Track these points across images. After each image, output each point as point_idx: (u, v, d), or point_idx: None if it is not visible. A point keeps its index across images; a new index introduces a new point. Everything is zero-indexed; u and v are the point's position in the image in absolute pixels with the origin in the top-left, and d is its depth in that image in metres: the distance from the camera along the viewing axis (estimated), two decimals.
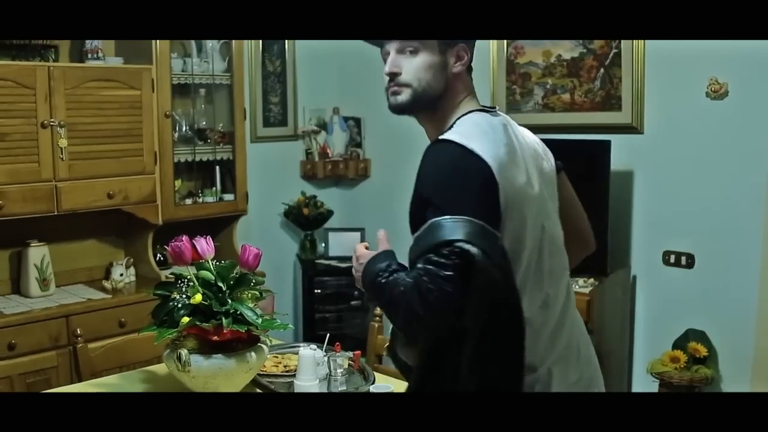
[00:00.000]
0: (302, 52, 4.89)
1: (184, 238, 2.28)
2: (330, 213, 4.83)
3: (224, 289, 2.30)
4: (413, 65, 1.79)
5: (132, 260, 3.94)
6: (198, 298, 2.24)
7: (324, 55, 4.98)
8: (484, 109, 1.82)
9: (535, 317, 1.72)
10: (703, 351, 3.45)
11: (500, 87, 4.19)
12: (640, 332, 3.89)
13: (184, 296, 2.29)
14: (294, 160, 4.96)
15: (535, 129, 1.97)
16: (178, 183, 4.03)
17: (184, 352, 2.25)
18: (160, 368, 2.65)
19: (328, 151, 4.95)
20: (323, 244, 4.85)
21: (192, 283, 2.30)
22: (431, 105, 1.82)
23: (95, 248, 4.02)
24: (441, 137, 1.70)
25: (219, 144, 4.16)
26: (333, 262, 4.71)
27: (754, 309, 3.45)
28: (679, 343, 3.59)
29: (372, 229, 4.66)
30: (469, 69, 1.86)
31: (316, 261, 4.78)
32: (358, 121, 5.01)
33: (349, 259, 1.93)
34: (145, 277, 3.94)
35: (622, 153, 3.71)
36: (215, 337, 2.26)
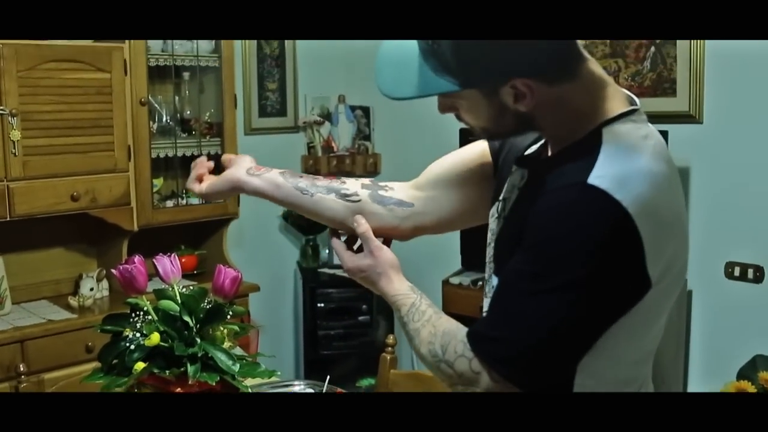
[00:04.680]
0: None
1: (137, 259, 1.76)
2: None
3: (191, 324, 1.77)
4: (464, 113, 1.30)
5: (104, 272, 3.40)
6: (155, 338, 1.70)
7: None
8: (631, 112, 1.25)
9: None
10: None
11: None
12: (697, 358, 3.36)
13: (138, 334, 1.75)
14: (294, 154, 4.45)
15: None
16: (158, 182, 3.51)
17: None
18: None
19: (333, 144, 4.47)
20: (327, 251, 4.37)
21: (149, 317, 1.77)
22: (520, 132, 1.32)
23: (63, 258, 3.49)
24: (589, 181, 1.16)
25: (206, 136, 3.64)
26: (338, 272, 4.16)
27: None
28: (746, 373, 3.05)
29: None
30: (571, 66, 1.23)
31: (319, 270, 4.29)
32: (366, 111, 4.55)
33: None
34: (119, 291, 3.38)
35: (677, 146, 3.13)
36: (179, 389, 1.73)
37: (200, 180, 1.65)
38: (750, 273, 3.17)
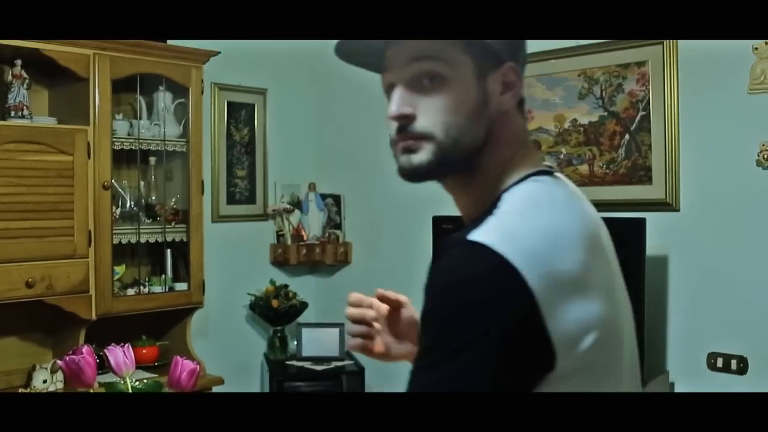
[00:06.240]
0: (274, 119, 4.32)
1: (85, 349, 1.64)
2: (304, 305, 4.19)
3: None
4: (436, 104, 1.12)
5: (59, 363, 3.22)
6: None
7: (299, 124, 4.45)
8: (546, 171, 1.15)
9: None
10: None
11: None
12: None
13: None
14: (263, 243, 4.33)
15: None
16: (120, 269, 3.37)
17: None
18: None
19: (303, 233, 4.35)
20: (295, 342, 4.20)
21: None
22: (466, 166, 1.15)
23: (16, 348, 3.32)
24: (470, 237, 1.03)
25: (171, 223, 3.52)
26: (306, 364, 4.03)
27: None
28: None
29: None
30: (521, 104, 1.19)
31: (287, 362, 4.12)
32: (337, 199, 4.45)
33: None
34: None
35: (654, 234, 3.08)
36: None
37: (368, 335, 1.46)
38: (733, 364, 3.06)
